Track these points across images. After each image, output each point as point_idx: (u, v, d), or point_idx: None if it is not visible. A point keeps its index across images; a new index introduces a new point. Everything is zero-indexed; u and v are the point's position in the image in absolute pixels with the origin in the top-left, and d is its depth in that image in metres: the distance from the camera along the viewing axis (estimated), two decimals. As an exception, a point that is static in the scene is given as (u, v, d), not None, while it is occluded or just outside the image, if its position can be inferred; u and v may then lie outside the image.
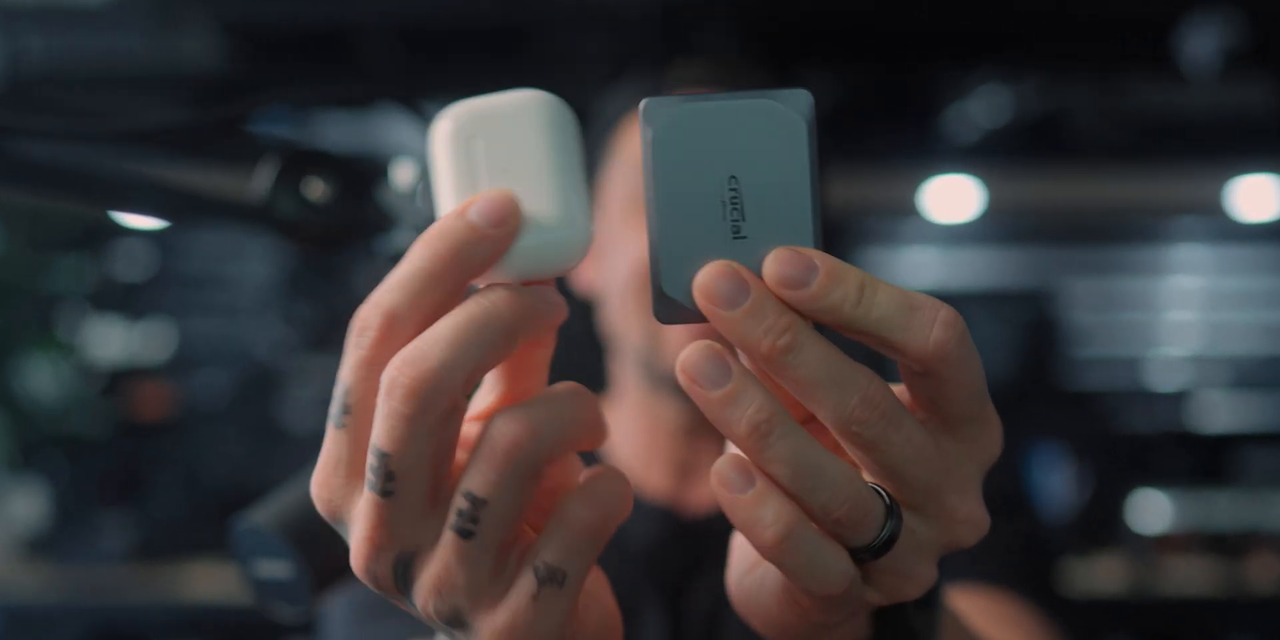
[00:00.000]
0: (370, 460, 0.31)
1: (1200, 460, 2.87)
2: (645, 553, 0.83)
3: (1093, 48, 2.46)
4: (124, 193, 0.50)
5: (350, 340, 0.32)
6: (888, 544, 0.33)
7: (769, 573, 0.36)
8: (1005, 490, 0.76)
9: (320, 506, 0.33)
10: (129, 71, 2.35)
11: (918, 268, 3.05)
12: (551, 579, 0.31)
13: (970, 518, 0.34)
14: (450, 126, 0.33)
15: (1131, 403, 2.96)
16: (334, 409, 0.32)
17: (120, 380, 2.91)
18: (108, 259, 2.98)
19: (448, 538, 0.31)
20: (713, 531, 0.82)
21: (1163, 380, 2.99)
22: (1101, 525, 2.70)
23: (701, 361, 0.31)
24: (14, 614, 2.48)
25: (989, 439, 0.34)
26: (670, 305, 0.33)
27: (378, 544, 0.32)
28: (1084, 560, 2.59)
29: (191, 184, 0.51)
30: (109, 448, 2.88)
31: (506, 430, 0.31)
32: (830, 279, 0.31)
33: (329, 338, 2.94)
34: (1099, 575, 2.52)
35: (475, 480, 0.31)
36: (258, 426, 2.94)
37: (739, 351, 0.32)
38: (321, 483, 0.33)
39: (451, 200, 0.33)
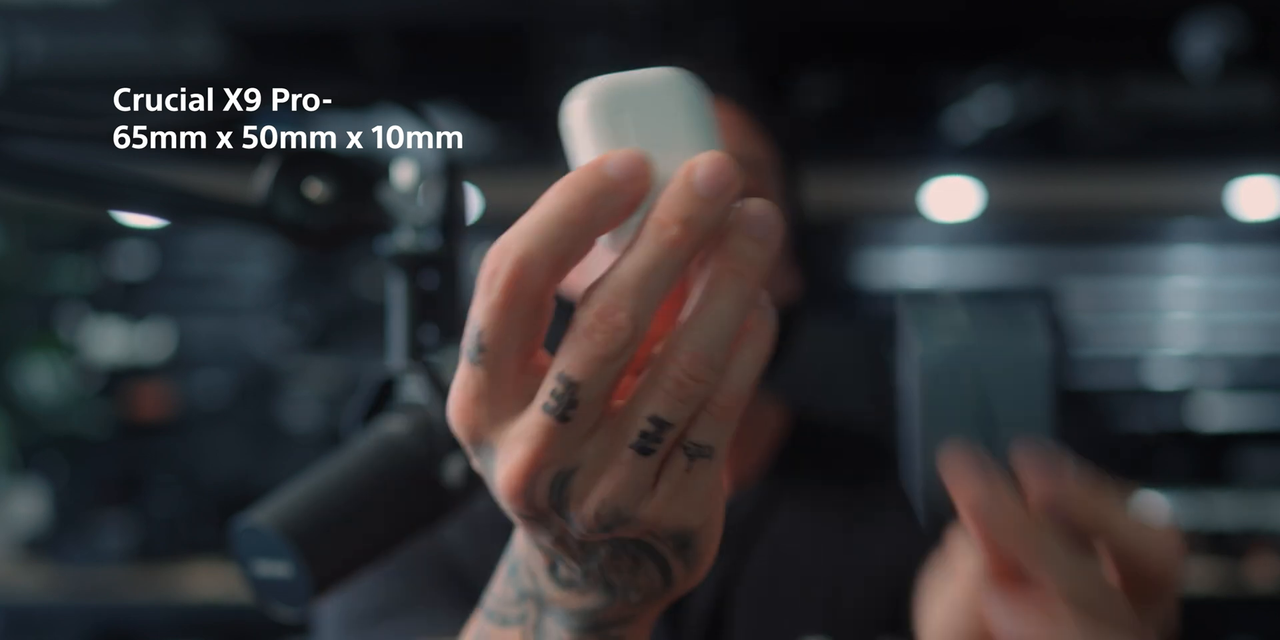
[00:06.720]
0: (555, 386, 0.32)
1: (1200, 460, 2.87)
2: None
3: (1093, 47, 2.45)
4: (124, 193, 0.50)
5: (481, 283, 0.33)
6: None
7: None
8: None
9: (463, 434, 0.35)
10: (129, 71, 2.35)
11: (918, 268, 3.05)
12: (700, 454, 0.34)
13: None
14: (596, 102, 0.33)
15: (1131, 403, 2.96)
16: (468, 345, 0.33)
17: (120, 380, 2.91)
18: (108, 259, 2.98)
19: (628, 455, 0.33)
20: None
21: (1163, 380, 2.99)
22: (1101, 525, 2.69)
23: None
24: (14, 614, 2.48)
25: (1164, 613, 0.43)
26: (941, 518, 0.39)
27: (543, 463, 0.33)
28: (1084, 560, 2.59)
29: (191, 184, 0.51)
30: (109, 448, 2.88)
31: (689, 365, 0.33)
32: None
33: (329, 338, 2.94)
34: (1099, 575, 2.52)
35: (660, 406, 0.33)
36: (257, 426, 2.94)
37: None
38: (463, 411, 0.34)
39: None
